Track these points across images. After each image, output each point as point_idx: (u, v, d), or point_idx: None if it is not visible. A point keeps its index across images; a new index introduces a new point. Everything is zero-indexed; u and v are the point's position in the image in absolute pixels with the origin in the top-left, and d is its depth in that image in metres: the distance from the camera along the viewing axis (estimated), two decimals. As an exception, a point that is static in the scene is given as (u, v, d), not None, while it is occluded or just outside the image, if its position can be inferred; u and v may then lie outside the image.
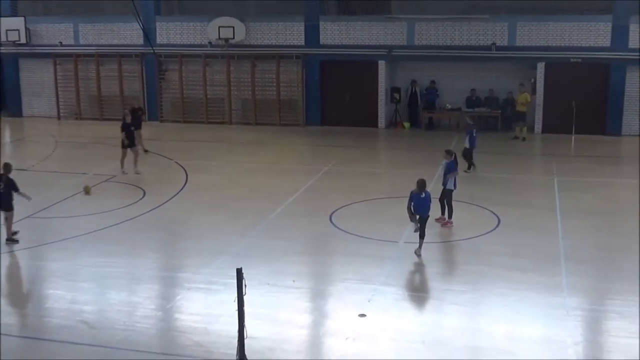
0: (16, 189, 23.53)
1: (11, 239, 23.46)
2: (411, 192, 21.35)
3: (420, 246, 21.32)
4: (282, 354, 15.94)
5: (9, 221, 23.54)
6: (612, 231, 24.11)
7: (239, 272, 10.38)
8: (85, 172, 31.00)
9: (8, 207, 23.43)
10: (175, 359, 16.12)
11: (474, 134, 30.39)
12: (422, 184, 21.23)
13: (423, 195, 21.29)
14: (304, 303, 19.40)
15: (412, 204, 21.25)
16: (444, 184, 24.13)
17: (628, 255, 21.64)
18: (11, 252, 22.76)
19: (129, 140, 31.26)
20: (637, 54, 36.44)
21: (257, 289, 16.93)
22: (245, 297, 10.45)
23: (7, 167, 23.86)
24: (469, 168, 30.11)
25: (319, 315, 18.69)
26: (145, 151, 34.12)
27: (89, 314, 18.32)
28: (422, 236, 21.26)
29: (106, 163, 33.05)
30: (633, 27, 36.46)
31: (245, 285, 10.38)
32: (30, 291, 20.72)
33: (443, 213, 24.39)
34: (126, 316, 18.11)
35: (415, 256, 21.46)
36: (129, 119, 32.07)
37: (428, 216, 21.51)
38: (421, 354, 16.09)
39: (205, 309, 18.58)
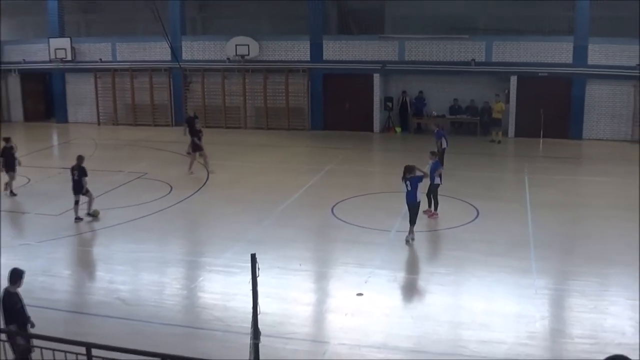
0: (86, 175, 24.66)
1: (92, 214, 24.67)
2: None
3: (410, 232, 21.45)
4: (290, 327, 15.96)
5: (89, 202, 24.62)
6: (574, 221, 24.08)
7: (253, 257, 10.33)
8: (121, 170, 30.98)
9: (82, 192, 24.52)
10: (198, 331, 16.11)
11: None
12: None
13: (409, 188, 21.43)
14: (309, 284, 19.42)
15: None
16: (432, 179, 24.11)
17: (588, 241, 21.76)
18: (58, 239, 22.75)
19: (195, 146, 31.03)
20: (595, 69, 36.46)
21: (268, 272, 16.93)
22: (258, 279, 10.39)
23: (80, 158, 24.96)
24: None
25: (322, 294, 18.69)
26: (188, 153, 33.80)
27: (124, 292, 18.33)
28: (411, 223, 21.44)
29: (139, 162, 33.06)
30: (591, 47, 36.50)
31: (259, 268, 10.33)
32: (74, 272, 20.74)
33: (430, 206, 24.34)
34: (156, 294, 18.16)
35: (405, 243, 21.44)
36: (199, 126, 31.97)
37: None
38: (410, 328, 16.10)
39: (224, 289, 18.60)
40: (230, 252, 20.88)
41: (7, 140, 28.22)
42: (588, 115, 37.32)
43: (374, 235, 22.46)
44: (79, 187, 24.58)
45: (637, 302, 16.99)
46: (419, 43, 39.25)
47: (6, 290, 13.13)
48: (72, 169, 24.78)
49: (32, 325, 13.37)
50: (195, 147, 31.11)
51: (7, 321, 12.86)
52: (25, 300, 17.65)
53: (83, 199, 24.52)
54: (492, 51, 38.23)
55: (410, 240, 21.35)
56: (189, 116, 34.89)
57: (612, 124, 37.18)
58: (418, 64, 39.27)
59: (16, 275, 13.24)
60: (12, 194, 27.72)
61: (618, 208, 25.02)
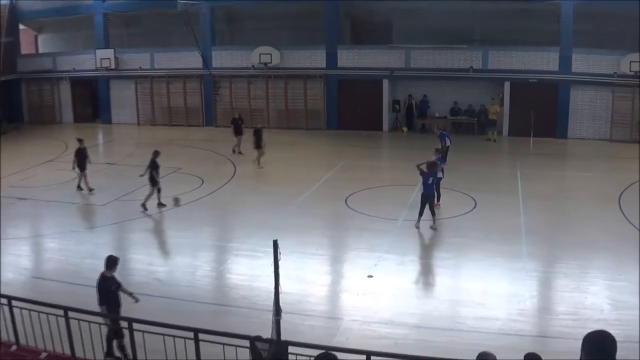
0: (156, 168, 24.79)
1: (162, 204, 24.88)
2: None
3: (418, 220, 21.55)
4: (308, 305, 16.00)
5: (157, 194, 24.73)
6: (560, 211, 23.94)
7: (275, 243, 10.32)
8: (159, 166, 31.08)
9: (153, 183, 24.57)
10: (226, 308, 16.20)
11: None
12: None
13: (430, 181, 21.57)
14: (325, 266, 19.45)
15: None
16: (435, 173, 24.11)
17: (572, 229, 21.74)
18: (103, 226, 22.88)
19: (258, 143, 30.94)
20: (578, 76, 36.45)
21: (289, 256, 16.90)
22: (279, 262, 10.39)
23: (156, 153, 25.18)
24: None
25: (336, 276, 18.74)
26: (240, 153, 33.78)
27: (161, 274, 18.44)
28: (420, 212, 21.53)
29: (174, 158, 33.06)
30: (575, 56, 36.44)
31: (280, 253, 10.33)
32: (118, 256, 20.73)
33: (437, 200, 24.34)
34: (189, 275, 18.25)
35: (411, 230, 21.46)
36: (259, 126, 31.92)
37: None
38: (415, 306, 16.13)
39: (249, 271, 18.65)
40: (255, 238, 20.91)
41: (80, 141, 28.04)
42: (572, 117, 37.20)
43: (383, 223, 22.44)
44: (152, 179, 24.78)
45: (615, 283, 17.19)
46: (423, 52, 39.14)
47: (102, 275, 13.37)
48: (148, 164, 24.97)
49: (136, 301, 13.62)
50: (258, 144, 30.97)
51: (100, 302, 13.13)
52: (75, 281, 17.91)
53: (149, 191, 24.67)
54: (488, 60, 38.10)
55: (435, 228, 21.56)
56: (234, 117, 35.00)
57: (593, 125, 37.03)
58: (422, 71, 39.16)
59: (111, 262, 13.51)
60: (87, 189, 27.19)
61: (598, 199, 25.00)
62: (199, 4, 40.82)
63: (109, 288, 13.20)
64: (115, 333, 12.88)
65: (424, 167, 21.71)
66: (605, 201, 24.58)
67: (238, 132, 34.15)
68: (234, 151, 33.76)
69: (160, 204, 24.82)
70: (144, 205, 24.42)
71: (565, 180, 29.13)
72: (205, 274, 18.76)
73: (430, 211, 21.48)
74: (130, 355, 12.15)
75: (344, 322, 15.24)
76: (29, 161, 33.21)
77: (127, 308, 14.18)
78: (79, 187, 27.38)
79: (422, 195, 21.49)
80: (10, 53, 45.73)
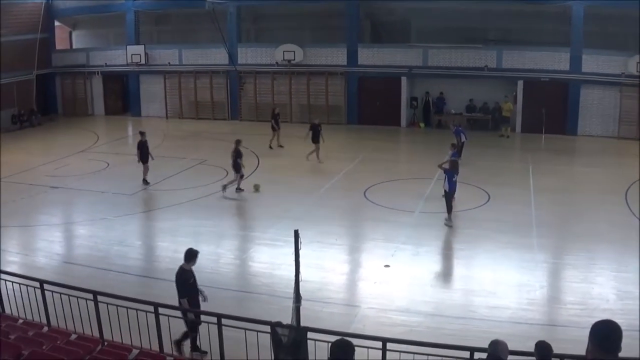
0: (241, 157, 25.25)
1: (240, 189, 25.28)
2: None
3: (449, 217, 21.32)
4: (327, 292, 16.00)
5: (238, 180, 25.20)
6: (570, 205, 23.82)
7: (296, 233, 10.29)
8: (184, 157, 31.09)
9: (237, 169, 25.17)
10: (248, 295, 16.22)
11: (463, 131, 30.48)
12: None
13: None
14: (343, 256, 19.42)
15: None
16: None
17: (581, 222, 21.67)
18: (131, 214, 22.95)
19: (315, 138, 30.56)
20: (588, 76, 36.24)
21: (309, 245, 16.89)
22: (300, 251, 10.36)
23: (238, 142, 25.66)
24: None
25: (354, 265, 18.70)
26: (280, 146, 33.72)
27: (186, 261, 18.44)
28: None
29: (200, 150, 33.18)
30: (585, 57, 36.19)
31: (300, 242, 10.29)
32: (145, 243, 20.90)
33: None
34: (213, 263, 18.25)
35: (427, 221, 21.42)
36: (317, 121, 31.74)
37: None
38: (429, 294, 16.09)
39: (270, 259, 18.67)
40: (276, 227, 20.91)
41: (142, 134, 27.20)
42: (582, 115, 36.96)
43: (399, 215, 22.36)
44: (237, 166, 25.08)
45: (620, 274, 17.19)
46: (440, 51, 38.95)
47: (181, 267, 13.00)
48: (232, 152, 25.33)
49: (205, 299, 13.09)
50: (315, 138, 30.57)
51: (180, 295, 12.71)
52: (104, 266, 18.01)
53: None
54: (502, 59, 37.87)
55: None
56: (273, 112, 34.73)
57: (602, 122, 36.75)
58: (439, 69, 38.97)
59: (190, 255, 13.05)
60: (145, 182, 26.70)
61: (606, 193, 24.83)
62: (226, 3, 40.84)
63: (188, 281, 12.76)
64: (194, 325, 12.48)
65: (446, 166, 21.62)
66: (612, 195, 24.39)
67: (276, 126, 34.02)
68: (271, 146, 33.60)
69: (239, 189, 25.20)
70: (224, 187, 25.10)
71: (574, 175, 28.89)
72: (229, 261, 18.79)
73: (447, 207, 21.28)
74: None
75: (362, 309, 15.21)
76: (62, 151, 33.45)
77: (151, 293, 14.23)
78: (145, 181, 26.79)
79: (446, 192, 21.29)
80: (46, 48, 46.07)
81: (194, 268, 13.05)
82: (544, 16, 37.47)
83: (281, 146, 33.82)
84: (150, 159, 26.86)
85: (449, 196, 21.21)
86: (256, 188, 25.53)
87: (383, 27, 43.52)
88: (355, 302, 15.94)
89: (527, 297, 15.72)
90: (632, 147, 32.80)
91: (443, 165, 21.81)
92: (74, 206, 24.85)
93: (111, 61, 45.99)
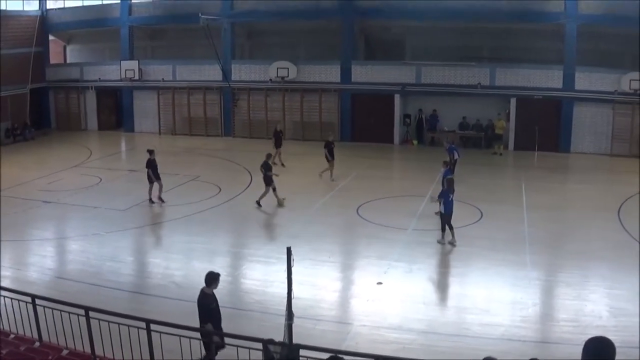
0: (270, 170, 25.53)
1: (280, 202, 25.63)
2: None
3: (453, 236, 21.02)
4: (320, 310, 15.96)
5: (274, 192, 25.47)
6: (563, 222, 23.93)
7: (289, 250, 10.28)
8: (178, 174, 31.03)
9: (268, 182, 25.46)
10: (241, 312, 16.15)
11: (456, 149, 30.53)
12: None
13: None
14: (336, 273, 19.38)
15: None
16: (443, 185, 24.08)
17: (573, 239, 21.79)
18: (124, 230, 22.87)
19: (330, 157, 30.41)
20: (581, 93, 36.49)
21: (302, 262, 16.90)
22: (292, 269, 10.35)
23: (269, 156, 26.23)
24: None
25: (347, 283, 18.66)
26: (282, 165, 33.22)
27: (178, 277, 18.44)
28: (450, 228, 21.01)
29: (193, 167, 33.16)
30: (577, 74, 36.46)
31: (293, 260, 10.28)
32: (137, 259, 20.82)
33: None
34: (206, 279, 18.17)
35: (420, 239, 21.41)
36: (331, 138, 31.56)
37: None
38: (422, 312, 16.05)
39: (263, 276, 18.62)
40: (270, 245, 20.94)
41: (150, 152, 26.52)
42: (575, 132, 37.13)
43: (392, 232, 22.36)
44: (268, 179, 25.28)
45: (613, 291, 17.23)
46: (433, 68, 39.10)
47: (202, 291, 12.71)
48: (260, 166, 25.56)
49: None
50: (330, 156, 30.51)
51: (202, 320, 12.45)
52: (96, 282, 17.94)
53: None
54: (495, 76, 38.04)
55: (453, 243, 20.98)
56: (276, 130, 34.58)
57: (595, 140, 36.92)
58: (433, 86, 39.10)
59: (211, 278, 12.74)
60: (160, 200, 26.27)
61: (599, 210, 24.93)
62: (221, 20, 41.01)
63: (210, 305, 12.49)
64: (214, 349, 11.96)
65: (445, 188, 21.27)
66: (605, 213, 24.49)
67: (278, 144, 33.75)
68: (274, 163, 33.19)
69: (280, 203, 25.59)
70: (258, 202, 25.32)
71: (567, 192, 28.99)
72: (221, 278, 18.59)
73: (449, 226, 20.97)
74: None
75: (354, 327, 15.18)
76: (56, 166, 33.41)
77: (143, 309, 14.16)
78: (152, 200, 26.33)
79: (442, 214, 21.07)
80: (40, 62, 46.17)
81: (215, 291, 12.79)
82: (537, 34, 37.77)
83: (283, 165, 33.36)
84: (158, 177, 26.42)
85: (446, 218, 20.93)
86: (280, 203, 25.48)
87: (377, 45, 43.73)
88: (348, 319, 15.89)
89: (520, 315, 15.71)
90: (624, 165, 32.99)
91: (442, 191, 21.35)
92: (66, 221, 24.77)
93: (105, 76, 46.03)
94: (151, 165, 26.23)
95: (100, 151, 39.23)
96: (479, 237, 21.56)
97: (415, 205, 25.25)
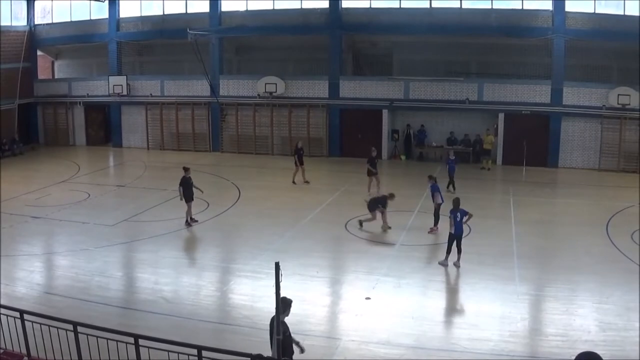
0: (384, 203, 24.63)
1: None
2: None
3: (458, 259, 20.41)
4: (308, 325, 15.93)
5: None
6: (550, 236, 23.99)
7: (277, 265, 10.28)
8: (166, 189, 30.95)
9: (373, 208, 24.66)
10: (229, 327, 16.14)
11: (453, 164, 30.75)
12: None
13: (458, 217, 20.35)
14: (324, 288, 19.39)
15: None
16: (433, 199, 24.16)
17: (562, 254, 21.77)
18: (113, 245, 22.82)
19: (374, 170, 30.61)
20: (569, 108, 36.82)
21: (290, 277, 16.91)
22: (281, 283, 10.37)
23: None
24: (450, 187, 30.30)
25: (335, 297, 18.67)
26: (306, 182, 32.80)
27: (167, 292, 18.38)
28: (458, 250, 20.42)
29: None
30: (565, 89, 36.77)
31: (282, 275, 10.29)
32: (126, 274, 20.77)
33: (436, 224, 24.21)
34: (194, 294, 18.21)
35: (408, 253, 21.44)
36: (374, 154, 31.48)
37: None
38: (411, 327, 16.05)
39: (251, 291, 18.62)
40: (258, 260, 20.89)
41: (186, 170, 25.58)
42: (563, 147, 37.36)
43: (381, 247, 22.46)
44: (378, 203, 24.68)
45: (602, 305, 17.26)
46: (421, 84, 39.30)
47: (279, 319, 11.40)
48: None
49: (302, 350, 12.12)
50: (370, 172, 30.67)
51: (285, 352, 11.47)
52: (84, 297, 17.89)
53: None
54: (483, 92, 38.26)
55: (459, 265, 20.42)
56: (297, 147, 33.72)
57: (583, 154, 37.18)
58: (420, 102, 39.29)
59: (284, 304, 11.36)
60: (193, 220, 25.43)
61: (587, 225, 25.13)
62: (209, 35, 41.12)
63: (284, 333, 11.47)
64: None
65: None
66: (593, 227, 24.68)
67: (300, 161, 32.98)
68: (294, 182, 32.67)
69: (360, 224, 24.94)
70: (361, 223, 24.62)
71: (555, 207, 29.11)
72: (209, 293, 18.71)
73: (457, 248, 20.35)
74: None
75: (343, 342, 15.19)
76: (44, 181, 33.33)
77: (132, 324, 14.13)
78: (187, 222, 25.30)
79: (451, 234, 20.38)
80: (28, 78, 46.18)
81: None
82: (525, 49, 38.05)
83: (307, 182, 32.87)
84: (199, 192, 25.78)
85: (457, 239, 20.31)
86: (384, 229, 24.60)
87: (365, 60, 43.93)
88: (336, 334, 15.91)
89: (508, 329, 15.74)
90: (612, 179, 33.22)
91: (466, 222, 20.78)
92: (55, 236, 24.69)
93: (93, 91, 46.07)
94: (184, 183, 25.32)
95: (89, 166, 39.17)
96: (467, 252, 21.51)
97: (403, 220, 25.32)
